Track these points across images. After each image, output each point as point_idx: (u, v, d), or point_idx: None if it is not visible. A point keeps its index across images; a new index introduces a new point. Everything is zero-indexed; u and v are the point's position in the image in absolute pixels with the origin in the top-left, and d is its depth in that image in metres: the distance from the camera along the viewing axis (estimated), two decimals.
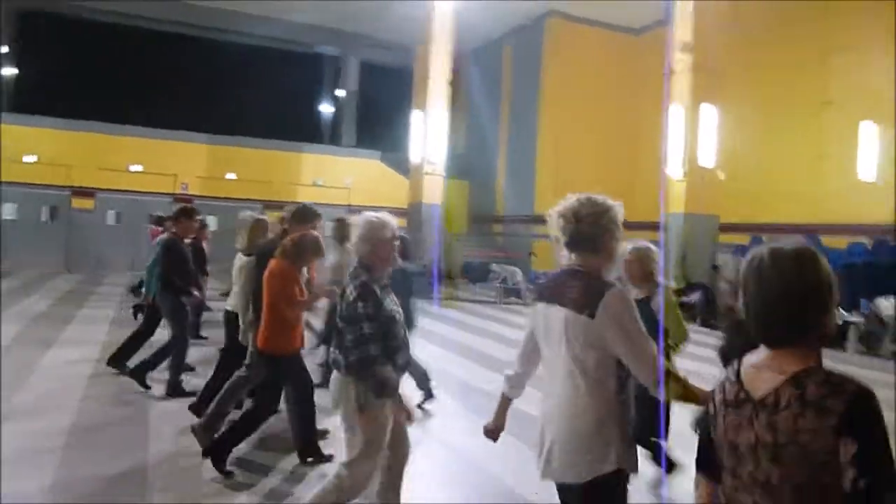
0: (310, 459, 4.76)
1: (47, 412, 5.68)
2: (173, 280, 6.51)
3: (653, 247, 4.24)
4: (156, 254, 6.83)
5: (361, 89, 25.16)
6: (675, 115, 13.99)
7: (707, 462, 1.72)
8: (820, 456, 1.45)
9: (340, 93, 25.78)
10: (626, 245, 4.03)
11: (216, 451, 4.50)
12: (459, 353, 9.29)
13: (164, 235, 6.90)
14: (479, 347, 9.98)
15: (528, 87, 21.89)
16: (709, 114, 13.82)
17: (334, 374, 3.41)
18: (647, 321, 3.53)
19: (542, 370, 2.60)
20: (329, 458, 4.77)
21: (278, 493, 4.34)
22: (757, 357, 1.64)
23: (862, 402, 1.45)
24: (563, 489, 2.52)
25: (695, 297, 13.59)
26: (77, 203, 19.36)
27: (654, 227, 15.76)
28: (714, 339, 11.46)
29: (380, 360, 3.20)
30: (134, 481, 4.36)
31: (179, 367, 6.53)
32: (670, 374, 2.38)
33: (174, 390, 6.37)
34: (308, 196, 21.39)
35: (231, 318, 5.85)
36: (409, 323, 5.88)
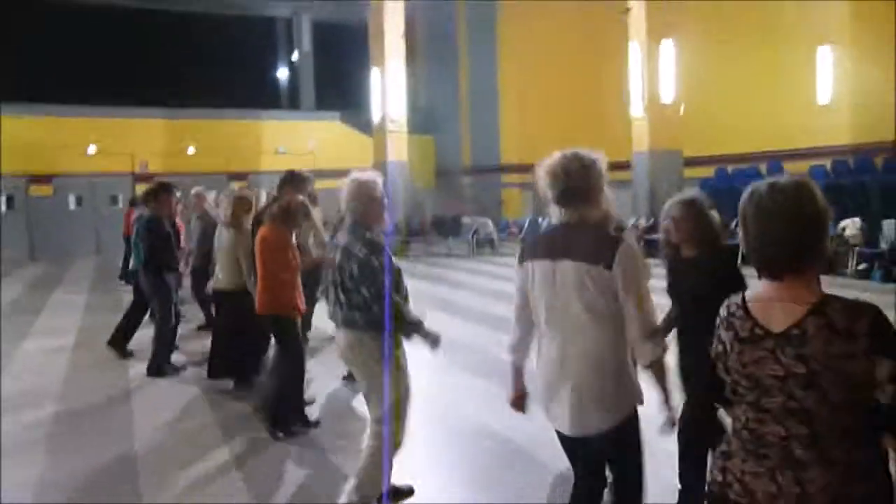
0: (280, 435, 4.62)
1: (31, 403, 5.63)
2: (156, 258, 6.42)
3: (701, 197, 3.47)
4: (136, 234, 6.71)
5: (316, 50, 24.62)
6: (634, 52, 13.96)
7: (713, 398, 1.83)
8: (855, 377, 1.54)
9: (295, 55, 25.22)
10: (671, 201, 3.47)
11: (281, 421, 4.66)
12: (439, 307, 9.36)
13: (146, 213, 6.75)
14: (457, 300, 10.05)
15: (484, 35, 21.61)
16: (666, 49, 13.81)
17: (344, 335, 3.44)
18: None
19: (543, 325, 2.57)
20: (316, 424, 4.77)
21: (266, 472, 4.32)
22: (763, 291, 1.69)
23: (881, 321, 1.56)
24: (581, 440, 2.52)
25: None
26: (35, 190, 18.88)
27: (623, 166, 15.87)
28: None
29: (401, 305, 3.34)
30: (124, 470, 4.33)
31: (166, 346, 6.49)
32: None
33: (158, 370, 6.32)
34: (272, 164, 21.11)
35: (223, 297, 5.82)
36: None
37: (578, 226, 2.54)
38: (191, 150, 20.49)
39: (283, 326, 4.73)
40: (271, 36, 25.81)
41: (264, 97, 24.21)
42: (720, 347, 1.74)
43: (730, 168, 16.29)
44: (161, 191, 6.64)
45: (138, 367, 6.51)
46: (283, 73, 26.39)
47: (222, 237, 5.83)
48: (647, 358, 2.41)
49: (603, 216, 2.63)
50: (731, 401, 1.75)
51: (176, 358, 6.70)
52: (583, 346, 2.46)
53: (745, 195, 1.70)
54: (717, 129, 16.31)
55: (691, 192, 3.43)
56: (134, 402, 5.68)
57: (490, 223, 17.08)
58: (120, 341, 6.99)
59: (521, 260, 2.67)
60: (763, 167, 15.63)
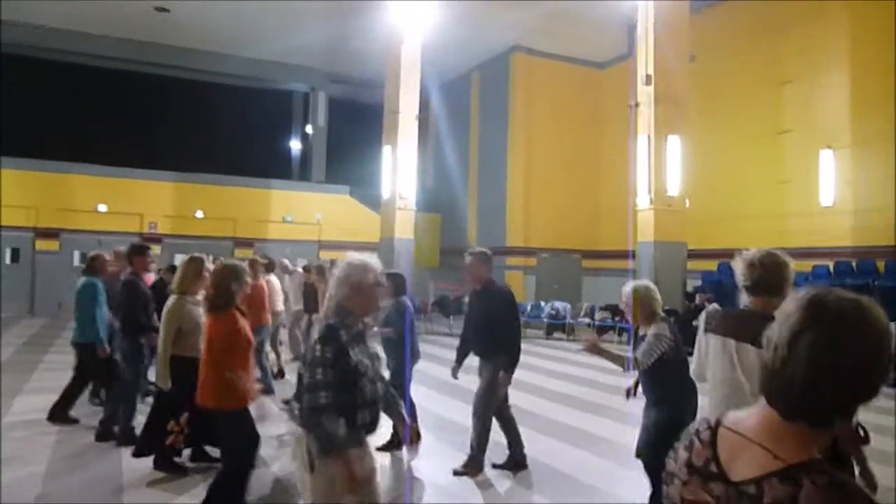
0: None
1: (17, 464, 5.49)
2: (136, 320, 6.29)
3: (651, 285, 4.39)
4: (79, 297, 6.67)
5: (330, 125, 25.27)
6: (641, 145, 14.26)
7: None
8: None
9: (309, 129, 25.87)
10: (625, 287, 4.23)
11: None
12: (438, 390, 9.22)
13: (125, 275, 6.64)
14: (458, 382, 9.86)
15: (495, 121, 22.19)
16: (673, 144, 14.12)
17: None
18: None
19: (710, 386, 3.10)
20: None
21: None
22: (746, 420, 1.29)
23: None
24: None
25: None
26: (41, 245, 19.01)
27: (623, 255, 15.95)
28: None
29: (328, 409, 2.79)
30: None
31: (132, 411, 6.26)
32: None
33: (129, 437, 6.07)
34: (278, 232, 21.33)
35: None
36: (415, 353, 6.32)
37: (757, 314, 2.90)
38: (199, 214, 20.74)
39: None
40: (287, 108, 26.55)
41: (276, 167, 24.68)
42: (670, 466, 1.38)
43: (732, 263, 16.32)
44: (134, 252, 6.63)
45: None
46: (295, 145, 26.99)
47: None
48: None
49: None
50: None
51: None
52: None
53: (806, 303, 1.22)
54: (721, 224, 16.50)
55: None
56: (124, 468, 5.52)
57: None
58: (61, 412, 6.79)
59: (706, 330, 3.21)
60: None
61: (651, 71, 14.18)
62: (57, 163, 19.10)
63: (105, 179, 19.72)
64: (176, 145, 22.29)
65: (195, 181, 20.90)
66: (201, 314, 4.93)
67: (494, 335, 5.52)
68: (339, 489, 2.82)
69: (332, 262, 7.34)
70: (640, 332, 4.30)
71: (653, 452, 4.08)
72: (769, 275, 2.94)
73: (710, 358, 3.12)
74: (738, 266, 3.03)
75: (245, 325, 4.29)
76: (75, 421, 6.80)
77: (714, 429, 1.31)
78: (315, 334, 2.99)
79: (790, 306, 1.24)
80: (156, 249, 15.96)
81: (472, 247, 6.27)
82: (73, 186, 19.18)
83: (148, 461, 5.49)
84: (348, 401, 2.87)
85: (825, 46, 15.22)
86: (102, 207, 19.62)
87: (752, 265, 2.96)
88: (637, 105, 14.43)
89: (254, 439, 4.29)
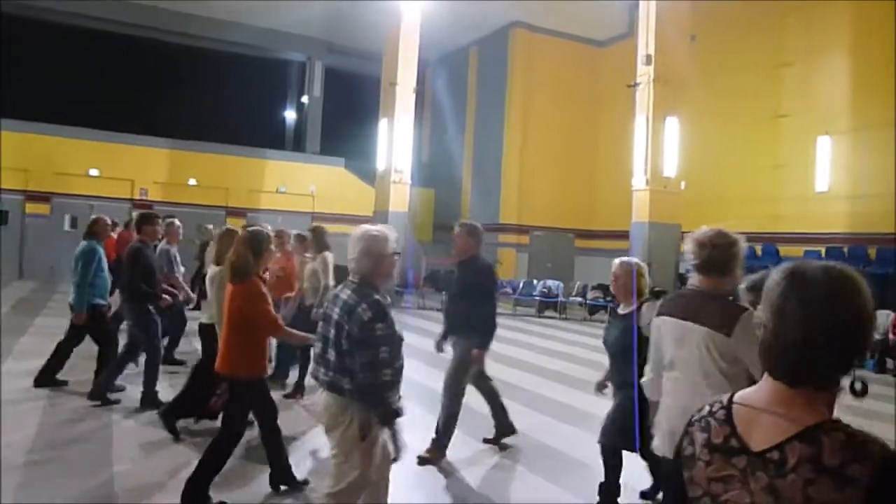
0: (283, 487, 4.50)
1: (7, 428, 5.44)
2: (139, 287, 6.32)
3: (641, 262, 4.34)
4: (78, 263, 6.60)
5: (326, 96, 25.01)
6: (639, 126, 14.20)
7: None
8: None
9: (305, 99, 25.61)
10: (614, 261, 4.20)
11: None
12: (424, 360, 9.23)
13: (133, 242, 6.70)
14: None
15: (493, 96, 22.02)
16: (671, 125, 14.05)
17: (327, 398, 3.16)
18: (627, 334, 3.84)
19: (670, 371, 3.02)
20: (305, 483, 4.56)
21: None
22: (755, 393, 1.35)
23: (892, 471, 1.17)
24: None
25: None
26: (31, 208, 18.84)
27: (618, 236, 15.96)
28: None
29: (391, 386, 3.00)
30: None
31: (155, 376, 6.33)
32: None
33: (152, 401, 6.18)
34: (272, 203, 21.21)
35: (206, 330, 5.62)
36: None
37: (709, 294, 2.94)
38: (192, 182, 20.58)
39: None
40: (283, 78, 26.23)
41: (270, 137, 24.45)
42: (688, 450, 1.40)
43: None
44: (142, 222, 6.64)
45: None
46: (291, 116, 26.74)
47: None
48: None
49: (729, 287, 3.01)
50: None
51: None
52: (702, 397, 2.73)
53: (785, 274, 1.32)
54: (716, 207, 16.47)
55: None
56: (114, 431, 5.52)
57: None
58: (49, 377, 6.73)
59: (657, 314, 3.15)
60: (758, 248, 15.74)
61: (651, 51, 14.07)
62: (49, 125, 18.85)
63: (98, 144, 19.51)
64: (170, 112, 22.02)
65: (189, 149, 20.70)
66: None
67: (469, 311, 5.27)
68: (386, 457, 3.13)
69: (315, 231, 7.31)
70: (622, 310, 4.26)
71: (616, 433, 4.08)
72: (720, 253, 2.92)
73: (666, 342, 3.04)
74: (689, 245, 3.00)
75: (266, 295, 4.28)
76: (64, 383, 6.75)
77: (728, 407, 1.36)
78: (363, 311, 2.99)
79: (774, 279, 1.32)
80: None
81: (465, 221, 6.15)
82: (65, 150, 18.97)
83: (140, 426, 5.48)
84: (396, 371, 3.07)
85: (826, 31, 15.13)
86: (94, 172, 19.43)
87: (703, 244, 2.94)
88: (636, 85, 14.33)
89: (270, 406, 4.45)
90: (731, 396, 1.38)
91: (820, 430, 1.21)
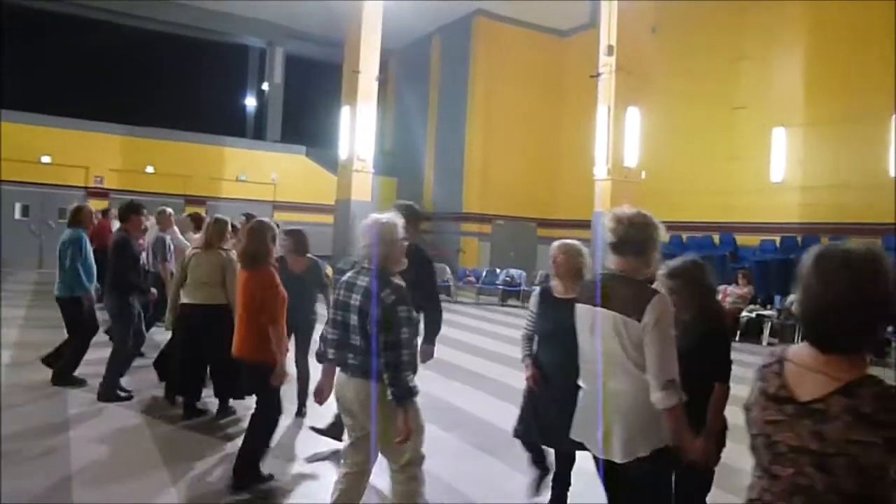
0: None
1: None
2: (125, 278, 6.22)
3: (581, 245, 4.21)
4: (66, 249, 6.46)
5: (287, 82, 24.65)
6: (601, 116, 14.32)
7: None
8: (872, 469, 1.42)
9: (265, 86, 25.21)
10: (554, 243, 4.14)
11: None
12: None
13: (116, 233, 6.65)
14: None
15: (455, 85, 21.98)
16: (632, 115, 14.21)
17: (356, 383, 3.23)
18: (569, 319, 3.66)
19: (584, 361, 2.93)
20: (269, 478, 4.48)
21: None
22: (805, 354, 1.58)
23: None
24: (608, 464, 2.81)
25: None
26: None
27: (580, 225, 16.11)
28: None
29: (407, 366, 3.15)
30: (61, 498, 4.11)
31: (119, 371, 6.23)
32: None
33: (109, 394, 6.05)
34: (232, 191, 20.87)
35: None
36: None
37: (622, 278, 2.82)
38: (149, 170, 20.12)
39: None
40: (243, 64, 25.77)
41: (230, 124, 24.02)
42: (750, 398, 1.68)
43: (684, 235, 16.70)
44: (129, 211, 6.54)
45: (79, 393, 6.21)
46: (251, 102, 26.30)
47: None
48: (660, 405, 2.62)
49: (644, 269, 2.86)
50: (754, 461, 1.66)
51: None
52: (620, 388, 2.74)
53: (812, 257, 1.58)
54: (675, 196, 16.78)
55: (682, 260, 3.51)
56: (76, 427, 5.39)
57: (447, 269, 17.08)
58: (67, 373, 6.55)
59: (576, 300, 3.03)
60: (716, 237, 16.07)
61: (613, 42, 14.20)
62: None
63: (49, 130, 18.90)
64: (126, 98, 21.46)
65: (146, 135, 20.20)
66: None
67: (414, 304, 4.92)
68: (410, 433, 3.17)
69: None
70: (558, 294, 4.02)
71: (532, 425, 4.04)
72: (637, 232, 2.79)
73: (581, 330, 2.94)
74: (607, 223, 2.88)
75: (279, 282, 4.46)
76: (83, 382, 6.54)
77: (780, 361, 1.62)
78: (387, 295, 3.14)
79: (806, 261, 1.58)
80: (103, 204, 15.42)
81: (428, 211, 5.97)
82: (14, 136, 18.32)
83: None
84: (414, 356, 3.27)
85: (783, 26, 15.45)
86: (46, 159, 18.85)
87: (621, 220, 2.83)
88: (599, 75, 14.45)
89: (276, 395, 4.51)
90: (784, 352, 1.63)
91: (857, 385, 1.47)
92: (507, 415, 6.46)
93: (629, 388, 2.72)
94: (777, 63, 15.58)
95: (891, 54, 13.16)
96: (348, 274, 3.39)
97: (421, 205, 21.89)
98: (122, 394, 6.18)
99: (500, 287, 17.16)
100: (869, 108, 13.51)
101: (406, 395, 3.13)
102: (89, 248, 6.62)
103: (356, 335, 3.22)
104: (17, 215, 18.55)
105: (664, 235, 2.88)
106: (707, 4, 16.56)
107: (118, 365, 6.22)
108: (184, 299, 5.80)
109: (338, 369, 3.39)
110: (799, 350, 1.61)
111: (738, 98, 16.30)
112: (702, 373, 3.09)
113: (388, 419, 3.17)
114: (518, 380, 8.14)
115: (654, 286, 3.45)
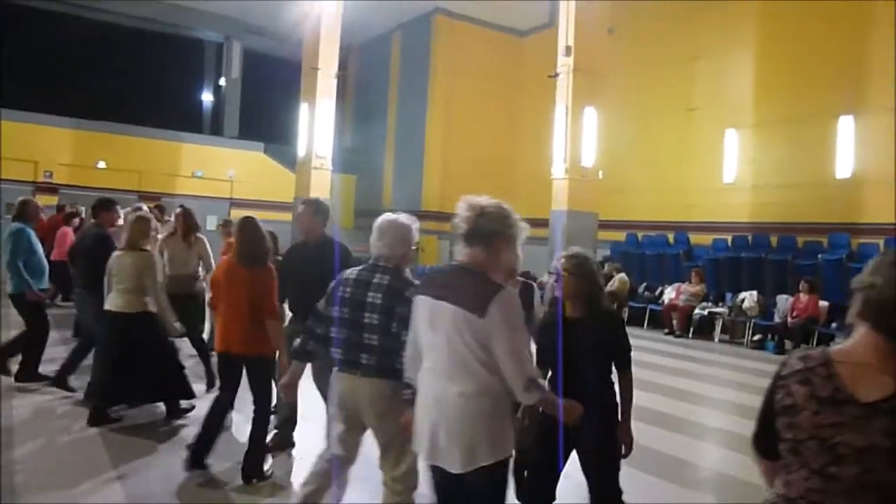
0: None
1: None
2: (100, 276, 5.81)
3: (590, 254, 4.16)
4: (7, 244, 6.33)
5: (245, 78, 24.29)
6: (559, 115, 14.47)
7: (768, 447, 1.68)
8: None
9: (223, 81, 24.81)
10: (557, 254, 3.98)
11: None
12: None
13: (92, 228, 6.49)
14: None
15: (415, 83, 21.96)
16: (589, 115, 14.39)
17: (370, 385, 3.15)
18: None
19: (426, 358, 2.67)
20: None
21: None
22: (854, 351, 1.58)
23: None
24: (443, 473, 2.59)
25: None
26: None
27: (538, 223, 16.25)
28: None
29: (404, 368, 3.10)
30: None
31: (75, 366, 6.21)
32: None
33: (62, 382, 6.16)
34: (188, 187, 20.50)
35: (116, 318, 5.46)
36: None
37: (466, 270, 2.60)
38: (101, 165, 19.63)
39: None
40: (200, 58, 25.30)
41: (186, 119, 23.55)
42: (788, 400, 1.60)
43: (640, 234, 17.00)
44: (101, 207, 6.44)
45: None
46: (207, 98, 25.84)
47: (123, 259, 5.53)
48: (527, 401, 2.56)
49: (493, 264, 2.62)
50: (786, 462, 1.62)
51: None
52: (454, 387, 2.51)
53: (888, 253, 1.59)
54: (631, 196, 17.07)
55: (578, 248, 3.53)
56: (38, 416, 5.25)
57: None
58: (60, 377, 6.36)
59: (415, 293, 2.85)
60: (671, 236, 16.39)
61: (571, 42, 14.34)
62: None
63: None
64: (77, 91, 20.88)
65: (98, 129, 19.67)
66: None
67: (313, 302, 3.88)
68: (401, 433, 3.02)
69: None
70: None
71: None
72: (488, 222, 2.59)
73: (420, 325, 2.71)
74: (460, 210, 2.69)
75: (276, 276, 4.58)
76: (47, 378, 6.44)
77: (827, 363, 1.57)
78: (408, 293, 3.07)
79: (884, 259, 1.58)
80: (52, 200, 15.00)
81: (386, 208, 5.94)
82: None
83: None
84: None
85: (735, 26, 15.81)
86: None
87: (474, 207, 2.64)
88: (557, 75, 14.59)
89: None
90: (828, 354, 1.59)
91: None
92: None
93: (472, 390, 2.49)
94: (730, 64, 15.94)
95: (840, 55, 13.60)
96: (355, 270, 3.31)
97: (380, 202, 21.86)
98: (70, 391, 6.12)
99: None
100: (818, 109, 13.91)
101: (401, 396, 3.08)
102: (37, 244, 6.47)
103: (373, 334, 3.14)
104: None
105: (523, 232, 2.70)
106: (663, 5, 16.85)
107: (77, 362, 6.20)
108: (108, 305, 5.51)
109: (335, 369, 3.30)
110: (847, 349, 1.60)
111: (692, 99, 16.65)
112: (605, 363, 3.25)
113: (396, 420, 3.06)
114: None
115: (517, 282, 3.73)
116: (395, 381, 3.04)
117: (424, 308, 2.66)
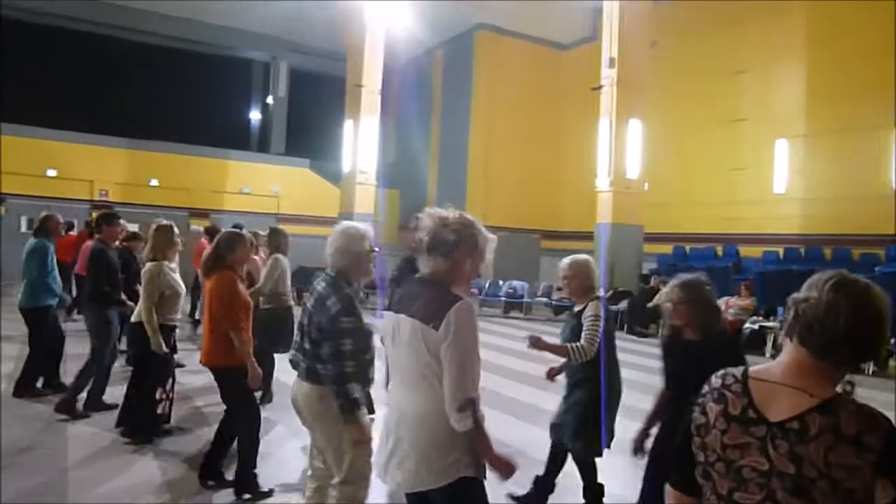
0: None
1: None
2: (102, 290, 6.06)
3: (591, 259, 4.27)
4: (31, 261, 6.41)
5: (291, 96, 24.80)
6: (603, 128, 14.38)
7: (683, 475, 1.57)
8: (853, 494, 1.32)
9: (269, 99, 25.36)
10: (564, 259, 4.16)
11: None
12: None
13: (93, 242, 6.53)
14: None
15: (458, 98, 22.09)
16: (633, 128, 14.26)
17: (303, 386, 3.25)
18: (578, 331, 3.73)
19: (391, 374, 2.61)
20: (270, 493, 4.45)
21: None
22: (770, 370, 1.50)
23: None
24: (409, 495, 2.54)
25: (622, 304, 13.98)
26: None
27: (583, 237, 16.13)
28: (640, 345, 11.76)
29: (352, 377, 3.09)
30: None
31: (84, 385, 6.05)
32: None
33: (68, 407, 5.91)
34: (235, 204, 20.96)
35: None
36: None
37: (426, 282, 2.53)
38: (153, 183, 20.23)
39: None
40: (247, 78, 25.95)
41: (234, 137, 24.16)
42: (702, 419, 1.53)
43: (687, 247, 16.70)
44: (102, 221, 6.42)
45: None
46: (255, 116, 26.45)
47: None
48: (457, 427, 2.34)
49: (455, 276, 2.53)
50: (700, 487, 1.52)
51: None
52: (415, 404, 2.44)
53: (834, 283, 1.48)
54: (677, 208, 16.80)
55: (694, 275, 3.56)
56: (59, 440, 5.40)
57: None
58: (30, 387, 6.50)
59: (385, 307, 2.78)
60: (719, 249, 16.07)
61: (615, 54, 14.27)
62: (3, 125, 18.33)
63: (55, 143, 19.04)
64: (131, 111, 21.59)
65: (150, 149, 20.33)
66: (179, 280, 5.52)
67: None
68: (352, 445, 3.14)
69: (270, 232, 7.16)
70: (577, 308, 4.16)
71: (582, 430, 3.98)
72: (448, 233, 2.51)
73: (385, 340, 2.65)
74: (423, 222, 2.61)
75: (242, 287, 4.43)
76: (45, 394, 6.53)
77: (743, 380, 1.50)
78: (332, 304, 3.10)
79: (822, 276, 1.51)
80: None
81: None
82: (20, 150, 18.44)
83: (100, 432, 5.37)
84: (363, 362, 3.18)
85: (782, 41, 15.51)
86: (52, 172, 18.97)
87: (434, 220, 2.57)
88: (600, 87, 14.53)
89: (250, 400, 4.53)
90: (745, 371, 1.52)
91: (836, 403, 1.38)
92: (499, 425, 6.45)
93: (432, 405, 2.38)
94: (777, 75, 15.63)
95: (891, 65, 13.21)
96: (318, 278, 3.40)
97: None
98: (93, 408, 6.07)
99: (503, 299, 17.16)
100: (870, 118, 13.53)
101: (349, 406, 3.07)
102: (53, 261, 6.50)
103: (307, 339, 3.24)
104: (23, 228, 18.62)
105: (489, 242, 2.64)
106: (706, 18, 16.66)
107: (85, 380, 6.04)
108: (134, 317, 5.59)
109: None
110: (764, 368, 1.52)
111: (738, 110, 16.35)
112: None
113: (332, 426, 3.16)
114: (521, 392, 8.16)
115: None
116: (321, 387, 3.14)
117: (388, 322, 2.61)
